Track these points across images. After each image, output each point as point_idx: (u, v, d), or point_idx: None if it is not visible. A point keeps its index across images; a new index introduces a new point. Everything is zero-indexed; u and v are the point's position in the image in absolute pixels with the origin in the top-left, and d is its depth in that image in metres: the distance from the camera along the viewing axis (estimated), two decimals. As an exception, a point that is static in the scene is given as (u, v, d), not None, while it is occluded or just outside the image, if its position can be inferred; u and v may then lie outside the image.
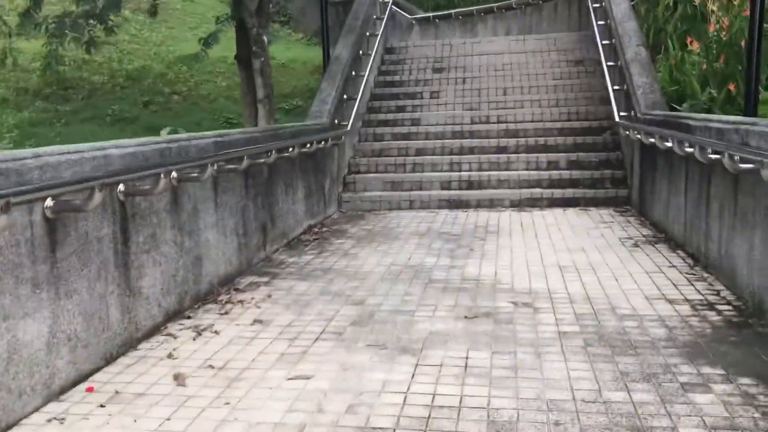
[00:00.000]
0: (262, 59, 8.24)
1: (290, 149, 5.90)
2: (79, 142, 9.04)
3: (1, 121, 8.80)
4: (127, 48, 11.56)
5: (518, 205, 8.06)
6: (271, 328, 3.90)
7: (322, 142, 7.07)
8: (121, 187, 3.48)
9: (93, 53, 7.43)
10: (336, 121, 8.16)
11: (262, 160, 5.32)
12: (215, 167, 4.59)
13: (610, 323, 3.84)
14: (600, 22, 9.37)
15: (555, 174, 8.33)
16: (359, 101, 9.12)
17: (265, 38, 8.26)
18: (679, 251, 5.56)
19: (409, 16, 16.17)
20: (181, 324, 3.99)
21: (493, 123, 9.39)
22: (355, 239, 6.48)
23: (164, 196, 4.01)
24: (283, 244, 6.17)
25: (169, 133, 9.09)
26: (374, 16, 10.66)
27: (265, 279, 5.05)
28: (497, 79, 10.37)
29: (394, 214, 7.90)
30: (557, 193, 8.05)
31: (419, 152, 9.05)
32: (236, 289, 4.76)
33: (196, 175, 4.15)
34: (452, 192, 8.30)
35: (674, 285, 4.58)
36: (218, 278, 4.75)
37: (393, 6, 13.79)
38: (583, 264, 5.24)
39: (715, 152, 4.40)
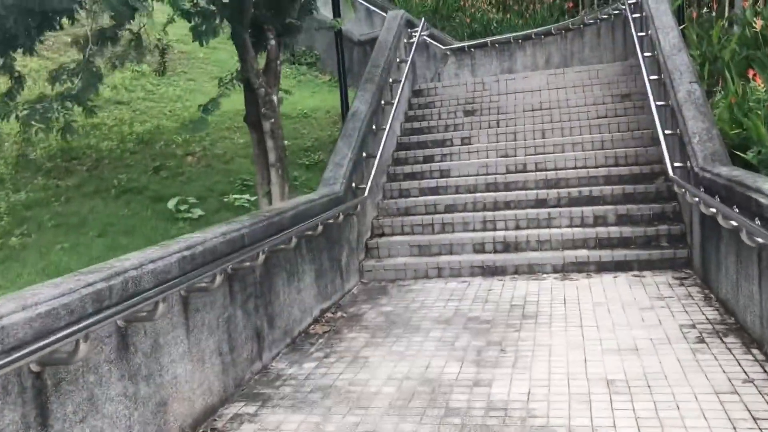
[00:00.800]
0: (272, 120, 7.56)
1: (290, 241, 5.15)
2: (77, 223, 8.49)
3: (-8, 208, 8.36)
4: (141, 107, 11.07)
5: (561, 270, 7.12)
6: None
7: (335, 217, 6.31)
8: (32, 357, 2.77)
9: (70, 139, 6.92)
10: (354, 185, 7.41)
11: (248, 264, 4.57)
12: (182, 290, 3.87)
13: (672, 502, 2.92)
14: (647, 54, 8.39)
15: (603, 231, 7.37)
16: (383, 155, 8.35)
17: (274, 98, 7.58)
18: (754, 350, 4.56)
19: (443, 47, 15.40)
20: (130, 503, 3.25)
21: (531, 171, 8.49)
22: (370, 331, 5.67)
23: (107, 344, 3.30)
24: (285, 344, 5.40)
25: (176, 204, 8.49)
26: (398, 60, 9.91)
27: (252, 408, 4.28)
28: (534, 119, 9.46)
29: (420, 285, 7.06)
30: (606, 255, 7.08)
31: (449, 209, 8.21)
32: (213, 429, 4.01)
33: (146, 314, 3.42)
34: (486, 256, 7.41)
35: (754, 419, 3.61)
36: (193, 417, 4.00)
37: (426, 38, 13.06)
38: (636, 376, 4.31)
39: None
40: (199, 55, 12.99)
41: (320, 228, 5.74)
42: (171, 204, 8.36)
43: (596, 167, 8.29)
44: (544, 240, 7.45)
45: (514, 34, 14.44)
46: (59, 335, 2.76)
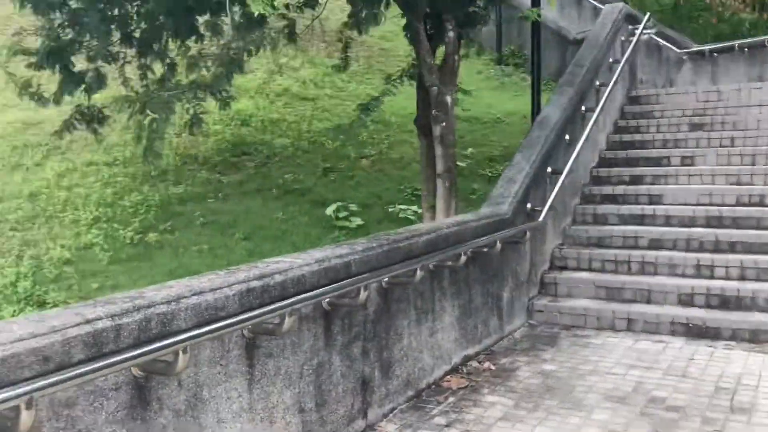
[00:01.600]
0: (444, 124, 6.58)
1: (414, 273, 4.13)
2: (227, 222, 8.12)
3: (145, 198, 8.26)
4: (326, 104, 10.65)
5: (802, 344, 5.29)
6: None
7: (491, 245, 5.16)
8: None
9: (196, 132, 6.49)
10: (529, 205, 6.17)
11: (347, 300, 3.64)
12: (245, 330, 3.06)
13: None
14: None
15: None
16: (576, 171, 7.03)
17: (448, 99, 6.59)
18: None
19: (678, 50, 13.31)
20: None
21: (770, 206, 6.59)
22: (516, 397, 4.46)
23: (111, 400, 2.55)
24: (405, 398, 4.39)
25: (336, 210, 7.83)
26: (610, 60, 8.39)
27: (327, 490, 3.33)
28: (783, 139, 7.45)
29: (601, 340, 5.64)
30: None
31: (653, 245, 6.63)
32: None
33: (163, 365, 2.62)
34: (694, 312, 5.77)
35: None
36: (244, 493, 3.15)
37: (653, 36, 11.22)
38: None
39: None
40: (398, 53, 12.40)
41: (463, 258, 4.63)
42: (329, 210, 7.75)
43: None
44: (779, 299, 5.63)
45: (768, 36, 11.97)
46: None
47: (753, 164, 7.18)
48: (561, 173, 6.58)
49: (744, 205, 6.72)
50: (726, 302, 5.79)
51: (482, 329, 5.37)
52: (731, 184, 7.03)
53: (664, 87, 11.15)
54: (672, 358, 5.14)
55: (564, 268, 6.70)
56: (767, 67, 11.57)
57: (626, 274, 6.40)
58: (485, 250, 5.10)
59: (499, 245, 5.15)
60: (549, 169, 6.62)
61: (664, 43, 12.84)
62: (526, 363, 5.13)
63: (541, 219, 5.99)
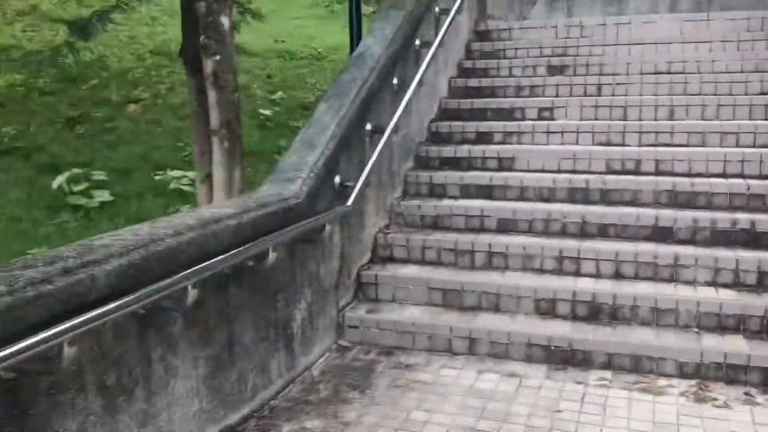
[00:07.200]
0: (217, 58, 4.51)
1: (59, 352, 2.14)
2: None
3: None
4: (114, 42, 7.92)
5: (695, 375, 3.88)
6: None
7: (262, 257, 3.25)
8: None
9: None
10: (337, 180, 4.29)
11: None
12: None
13: None
14: None
15: (777, 303, 4.05)
16: (409, 127, 5.28)
17: (224, 20, 4.51)
18: None
19: (532, -21, 11.82)
20: None
21: (648, 174, 5.18)
22: None
23: None
24: None
25: (68, 181, 5.52)
26: (453, -20, 6.58)
27: None
28: (658, 87, 6.02)
29: (433, 372, 3.98)
30: (785, 353, 3.79)
31: (503, 226, 5.04)
32: None
33: None
34: (557, 326, 4.23)
35: None
36: None
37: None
38: None
39: None
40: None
41: (193, 293, 2.67)
42: (58, 182, 5.40)
43: (763, 177, 4.90)
44: (665, 308, 4.20)
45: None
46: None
47: (625, 118, 5.72)
48: (384, 131, 4.74)
49: (616, 172, 5.24)
50: (598, 312, 4.29)
51: (256, 378, 3.49)
52: (599, 145, 5.54)
53: (518, 20, 9.62)
54: (530, 407, 3.54)
55: (389, 259, 4.95)
56: (626, 2, 10.32)
57: (469, 269, 4.76)
58: (251, 264, 3.17)
59: (271, 256, 3.23)
60: (368, 126, 4.75)
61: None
62: (320, 428, 3.32)
63: (350, 203, 4.12)
